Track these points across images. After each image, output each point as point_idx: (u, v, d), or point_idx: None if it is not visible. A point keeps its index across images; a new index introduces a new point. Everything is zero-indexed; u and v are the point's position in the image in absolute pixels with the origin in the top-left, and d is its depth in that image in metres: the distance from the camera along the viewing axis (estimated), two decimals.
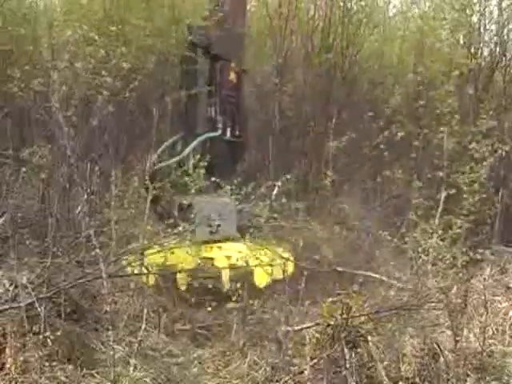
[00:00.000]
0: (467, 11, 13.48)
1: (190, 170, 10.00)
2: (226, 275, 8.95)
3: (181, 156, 10.15)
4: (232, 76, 10.63)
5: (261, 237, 9.11)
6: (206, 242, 9.36)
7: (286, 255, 8.75)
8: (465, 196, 8.48)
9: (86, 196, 8.28)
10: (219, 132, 10.67)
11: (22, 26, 13.32)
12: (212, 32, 10.43)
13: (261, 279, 8.76)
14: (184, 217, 9.27)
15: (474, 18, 13.87)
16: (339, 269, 9.25)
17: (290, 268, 8.49)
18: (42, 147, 8.70)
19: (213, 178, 9.54)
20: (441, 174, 9.18)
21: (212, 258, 9.20)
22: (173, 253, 8.22)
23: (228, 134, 10.81)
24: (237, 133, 10.89)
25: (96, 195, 9.63)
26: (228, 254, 9.20)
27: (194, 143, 10.30)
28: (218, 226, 9.69)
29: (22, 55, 13.24)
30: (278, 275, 8.28)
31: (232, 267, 8.94)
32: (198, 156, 9.84)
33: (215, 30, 10.41)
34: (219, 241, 9.54)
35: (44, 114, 9.35)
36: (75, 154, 8.42)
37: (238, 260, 8.70)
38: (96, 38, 9.36)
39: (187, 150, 10.18)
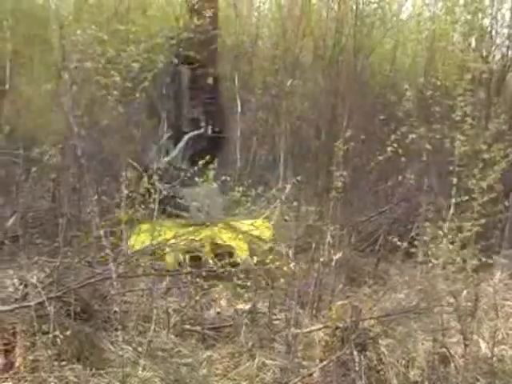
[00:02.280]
0: (479, 14, 13.42)
1: (180, 165, 11.18)
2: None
3: (174, 153, 11.52)
4: (209, 80, 11.85)
5: None
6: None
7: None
8: (475, 199, 8.41)
9: (96, 196, 8.28)
10: (202, 130, 11.98)
11: (33, 26, 13.34)
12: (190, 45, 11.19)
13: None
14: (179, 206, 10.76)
15: (486, 22, 13.83)
16: None
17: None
18: (52, 147, 8.70)
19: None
20: (452, 177, 9.12)
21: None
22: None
23: (209, 131, 12.12)
24: (216, 129, 12.21)
25: (106, 195, 9.64)
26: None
27: (183, 141, 11.72)
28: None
29: (33, 55, 13.26)
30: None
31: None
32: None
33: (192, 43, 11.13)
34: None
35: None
36: (85, 154, 8.44)
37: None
38: (105, 37, 9.35)
39: (177, 148, 11.64)
